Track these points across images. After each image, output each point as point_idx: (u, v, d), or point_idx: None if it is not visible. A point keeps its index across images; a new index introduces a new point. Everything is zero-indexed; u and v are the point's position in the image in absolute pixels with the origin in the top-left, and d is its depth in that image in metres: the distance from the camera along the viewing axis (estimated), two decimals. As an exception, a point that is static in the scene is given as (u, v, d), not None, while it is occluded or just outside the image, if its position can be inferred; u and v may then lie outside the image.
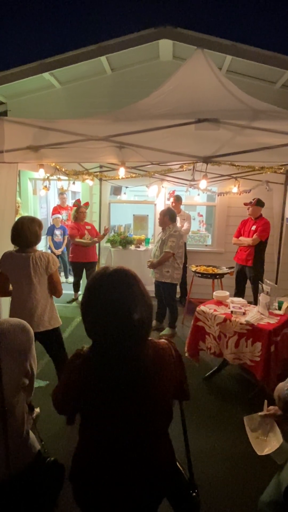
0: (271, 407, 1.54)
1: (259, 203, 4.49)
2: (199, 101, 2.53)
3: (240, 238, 4.64)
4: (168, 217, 4.18)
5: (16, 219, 3.44)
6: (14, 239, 2.36)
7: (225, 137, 2.27)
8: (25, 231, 2.31)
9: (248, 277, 4.60)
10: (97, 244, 5.75)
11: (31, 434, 1.30)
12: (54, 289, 2.47)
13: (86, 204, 5.41)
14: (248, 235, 4.54)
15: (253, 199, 4.53)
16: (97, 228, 5.48)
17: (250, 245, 4.46)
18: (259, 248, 4.47)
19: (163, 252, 4.06)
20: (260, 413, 1.55)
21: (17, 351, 1.19)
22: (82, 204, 5.34)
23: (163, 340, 1.18)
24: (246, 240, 4.51)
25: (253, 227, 4.49)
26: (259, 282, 3.32)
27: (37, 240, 2.37)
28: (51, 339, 2.54)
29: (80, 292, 5.67)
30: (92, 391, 1.06)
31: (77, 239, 4.98)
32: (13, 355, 1.17)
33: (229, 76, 4.43)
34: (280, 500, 1.34)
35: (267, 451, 1.48)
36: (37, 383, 2.94)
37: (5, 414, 1.13)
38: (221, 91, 2.75)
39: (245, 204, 4.62)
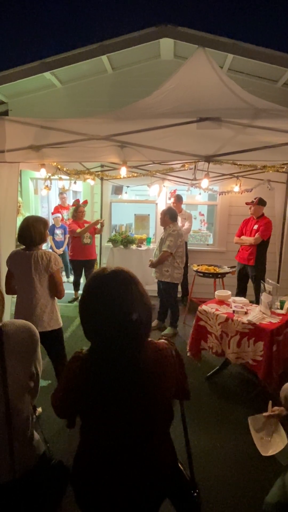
0: (275, 407, 1.53)
1: (261, 202, 4.46)
2: (200, 100, 2.52)
3: (242, 237, 4.61)
4: (169, 216, 4.18)
5: (18, 219, 3.44)
6: (20, 239, 2.41)
7: (227, 135, 2.26)
8: (30, 231, 2.36)
9: (250, 276, 4.58)
10: (98, 243, 5.76)
11: (36, 435, 1.30)
12: (55, 289, 2.44)
13: (85, 202, 5.41)
14: (250, 234, 4.52)
15: (255, 198, 4.51)
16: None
17: (252, 244, 4.44)
18: (261, 247, 4.45)
19: (162, 251, 4.06)
20: (264, 414, 1.54)
21: (23, 352, 1.19)
22: (81, 203, 5.33)
23: (162, 340, 1.17)
24: (248, 239, 4.49)
25: (255, 226, 4.47)
26: (261, 281, 3.32)
27: (42, 239, 2.41)
28: (50, 341, 2.49)
29: (81, 292, 5.67)
30: (92, 394, 1.05)
31: (78, 230, 4.97)
32: (18, 357, 1.17)
33: (230, 75, 4.42)
34: (286, 501, 1.33)
35: (271, 452, 1.47)
36: (39, 383, 2.93)
37: (10, 416, 1.12)
38: (223, 90, 2.74)
39: (247, 203, 4.60)
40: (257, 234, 4.40)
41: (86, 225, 5.07)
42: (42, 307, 2.41)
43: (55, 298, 2.52)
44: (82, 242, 5.03)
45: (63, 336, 2.64)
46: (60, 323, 2.55)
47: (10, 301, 3.22)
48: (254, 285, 4.53)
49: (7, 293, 2.51)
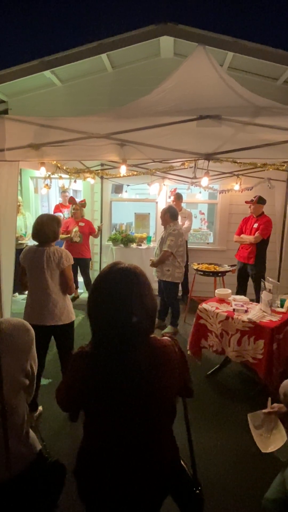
0: (275, 404, 1.54)
1: (260, 200, 4.46)
2: (200, 98, 2.51)
3: (242, 236, 4.61)
4: (169, 215, 4.18)
5: (18, 218, 3.43)
6: (34, 236, 2.50)
7: (227, 133, 2.26)
8: (44, 228, 2.46)
9: (250, 275, 4.58)
10: (98, 242, 5.76)
11: (32, 434, 1.30)
12: (65, 285, 2.52)
13: (82, 202, 5.41)
14: (250, 232, 4.52)
15: (255, 197, 4.51)
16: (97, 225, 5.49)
17: (252, 243, 4.44)
18: (261, 246, 4.45)
19: (162, 251, 4.06)
20: (264, 410, 1.55)
21: (18, 350, 1.19)
22: (78, 202, 5.34)
23: (166, 337, 1.18)
24: (248, 238, 4.49)
25: (255, 225, 4.47)
26: (262, 279, 3.32)
27: (55, 236, 2.52)
28: (60, 335, 2.58)
29: (82, 291, 5.68)
30: (95, 389, 1.06)
31: (61, 236, 5.07)
32: (13, 355, 1.17)
33: (230, 73, 4.40)
34: (285, 497, 1.34)
35: (271, 448, 1.47)
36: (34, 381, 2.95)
37: (5, 414, 1.12)
38: (223, 88, 2.73)
39: (247, 202, 4.60)
40: (257, 232, 4.40)
41: (81, 223, 5.09)
42: (54, 302, 2.48)
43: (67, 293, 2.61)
44: (71, 241, 5.06)
45: (74, 331, 2.70)
46: (72, 317, 2.61)
47: (11, 300, 3.22)
48: (254, 283, 4.53)
49: (23, 289, 2.63)
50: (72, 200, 5.35)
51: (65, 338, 2.62)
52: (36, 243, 2.55)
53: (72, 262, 2.55)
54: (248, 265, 4.54)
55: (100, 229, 5.27)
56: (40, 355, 2.57)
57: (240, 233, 4.68)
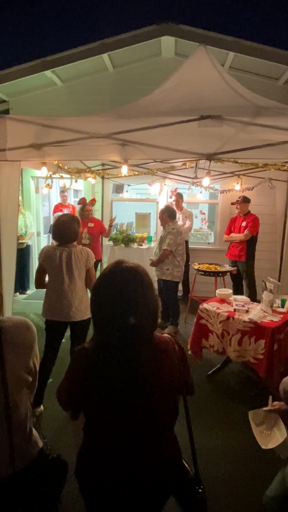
0: (275, 402, 1.55)
1: (245, 200, 4.65)
2: (201, 98, 2.51)
3: (232, 234, 4.76)
4: (167, 214, 4.21)
5: (19, 218, 3.43)
6: (55, 236, 2.62)
7: (228, 133, 2.26)
8: (66, 229, 2.55)
9: (241, 271, 4.68)
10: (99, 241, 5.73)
11: (34, 430, 1.31)
12: (90, 282, 2.66)
13: (92, 201, 5.28)
14: (238, 231, 4.68)
15: (239, 197, 4.67)
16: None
17: (242, 241, 4.59)
18: (250, 243, 4.60)
19: (162, 250, 4.07)
20: (265, 408, 1.56)
21: (20, 348, 1.20)
22: (88, 201, 5.16)
23: (166, 335, 1.18)
24: (238, 236, 4.64)
25: (243, 223, 4.64)
26: (262, 280, 3.32)
27: (76, 236, 2.63)
28: (82, 328, 2.69)
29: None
30: (96, 387, 1.07)
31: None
32: (16, 352, 1.18)
33: (231, 73, 4.40)
34: (285, 494, 1.35)
35: (271, 445, 1.49)
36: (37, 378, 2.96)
37: (9, 410, 1.13)
38: (224, 88, 2.73)
39: (233, 203, 4.78)
40: (246, 230, 4.54)
41: (90, 224, 4.91)
42: (80, 298, 2.61)
43: (88, 289, 2.71)
44: (80, 243, 4.98)
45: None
46: None
47: (12, 299, 3.23)
48: (246, 280, 4.63)
49: (38, 287, 2.71)
50: (82, 201, 5.12)
51: (85, 330, 2.73)
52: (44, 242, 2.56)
53: (94, 260, 2.69)
54: (239, 262, 4.67)
55: (113, 221, 5.09)
56: (54, 350, 2.67)
57: (229, 232, 4.83)
